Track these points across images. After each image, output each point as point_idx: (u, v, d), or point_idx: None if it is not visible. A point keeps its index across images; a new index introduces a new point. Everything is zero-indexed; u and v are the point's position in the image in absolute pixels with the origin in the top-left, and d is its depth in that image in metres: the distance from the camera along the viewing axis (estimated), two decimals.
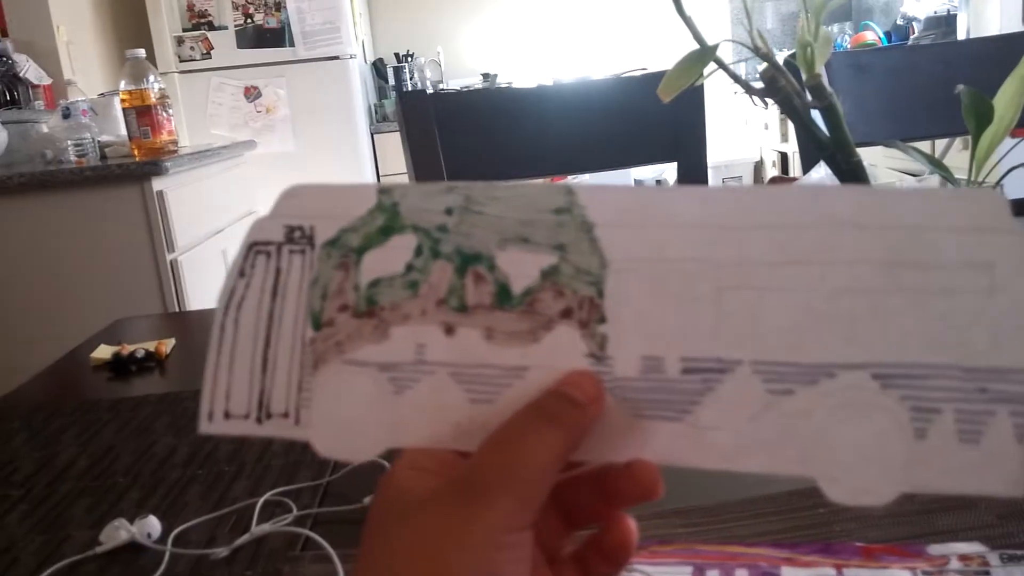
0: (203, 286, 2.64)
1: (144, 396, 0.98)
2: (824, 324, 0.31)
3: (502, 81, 4.93)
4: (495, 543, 0.30)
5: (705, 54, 0.65)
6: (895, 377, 0.31)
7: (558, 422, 0.32)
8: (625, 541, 0.36)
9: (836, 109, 0.68)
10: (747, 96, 0.70)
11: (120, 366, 1.10)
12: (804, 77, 0.69)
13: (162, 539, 0.65)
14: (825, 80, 0.68)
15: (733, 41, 0.71)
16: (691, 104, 1.42)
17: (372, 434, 0.35)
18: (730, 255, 0.32)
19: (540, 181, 0.35)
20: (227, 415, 0.36)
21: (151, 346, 1.12)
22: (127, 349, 1.11)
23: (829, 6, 0.69)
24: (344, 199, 0.36)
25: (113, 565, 0.63)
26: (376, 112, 4.76)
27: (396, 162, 4.40)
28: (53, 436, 0.89)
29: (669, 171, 4.37)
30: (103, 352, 1.13)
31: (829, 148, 0.70)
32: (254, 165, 3.48)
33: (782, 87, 0.67)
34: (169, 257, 2.48)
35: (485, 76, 4.98)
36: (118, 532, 0.65)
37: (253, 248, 0.37)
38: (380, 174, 4.50)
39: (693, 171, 1.45)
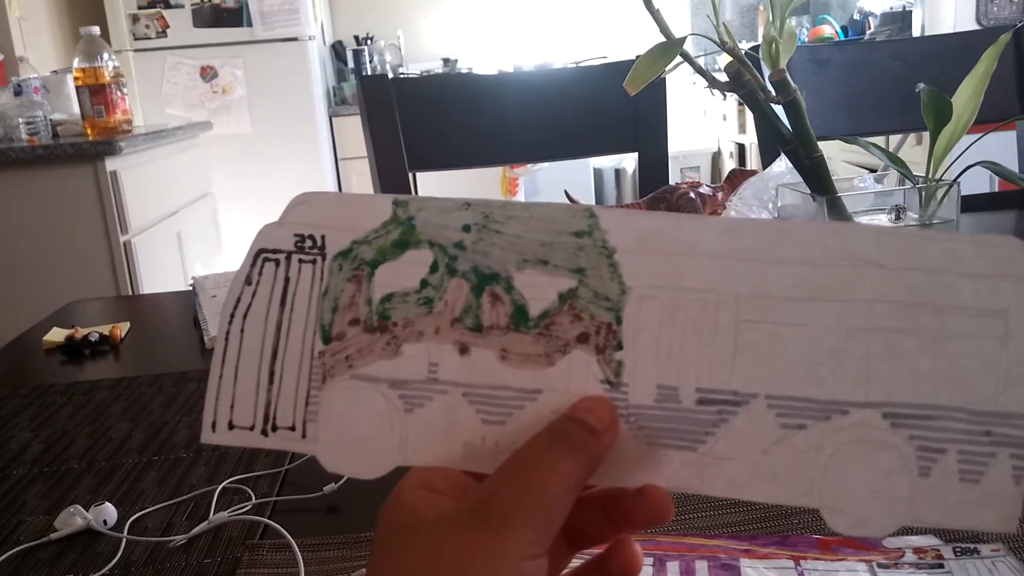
0: (157, 268, 2.60)
1: (98, 380, 0.97)
2: (839, 362, 0.32)
3: (462, 67, 4.90)
4: (518, 571, 0.30)
5: (672, 47, 0.65)
6: (905, 417, 0.32)
7: (574, 448, 0.32)
8: (631, 565, 0.36)
9: (799, 104, 0.69)
10: (705, 87, 0.71)
11: (73, 350, 1.08)
12: (768, 72, 0.69)
13: (118, 526, 0.64)
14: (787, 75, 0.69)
15: (701, 35, 0.71)
16: (653, 95, 1.43)
17: (381, 451, 0.35)
18: (750, 287, 0.33)
19: (558, 202, 0.35)
20: (231, 426, 0.36)
21: (105, 329, 1.10)
22: (80, 332, 1.09)
23: (793, 3, 0.69)
24: (357, 209, 0.35)
25: (68, 552, 0.62)
26: (335, 95, 4.71)
27: (354, 146, 4.36)
28: (5, 420, 0.87)
29: (627, 160, 4.39)
30: (56, 335, 1.11)
31: (791, 142, 0.70)
32: (210, 146, 3.43)
33: (747, 81, 0.67)
34: (123, 239, 2.44)
35: (445, 61, 4.95)
36: (73, 518, 0.64)
37: (260, 255, 0.36)
38: (338, 157, 4.46)
39: (655, 163, 1.46)
